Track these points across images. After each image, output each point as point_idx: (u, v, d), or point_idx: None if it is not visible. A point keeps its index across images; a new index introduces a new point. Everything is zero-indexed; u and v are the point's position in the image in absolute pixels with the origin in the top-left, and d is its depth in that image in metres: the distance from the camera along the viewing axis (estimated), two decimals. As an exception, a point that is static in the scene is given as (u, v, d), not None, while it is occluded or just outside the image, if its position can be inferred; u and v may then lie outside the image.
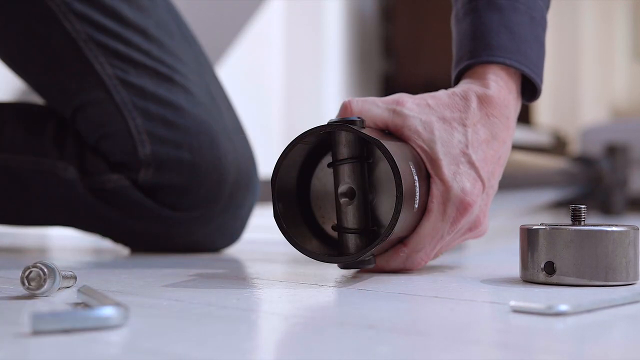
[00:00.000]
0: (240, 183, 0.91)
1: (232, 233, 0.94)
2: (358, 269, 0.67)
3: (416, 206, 0.62)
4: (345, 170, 0.61)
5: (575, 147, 3.48)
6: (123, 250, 0.96)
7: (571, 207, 0.61)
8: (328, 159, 0.64)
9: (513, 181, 1.08)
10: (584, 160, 2.04)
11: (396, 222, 0.58)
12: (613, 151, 2.09)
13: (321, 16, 2.86)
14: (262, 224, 1.08)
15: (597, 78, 3.91)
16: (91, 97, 0.88)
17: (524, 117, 3.67)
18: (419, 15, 3.32)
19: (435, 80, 3.40)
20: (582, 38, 3.83)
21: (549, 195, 1.46)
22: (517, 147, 3.47)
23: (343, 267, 0.63)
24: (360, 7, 3.03)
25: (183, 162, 0.87)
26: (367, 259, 0.62)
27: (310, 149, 0.64)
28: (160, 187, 0.88)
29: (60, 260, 0.89)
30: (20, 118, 0.93)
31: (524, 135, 3.47)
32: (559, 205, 1.86)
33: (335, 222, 0.63)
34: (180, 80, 0.89)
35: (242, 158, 0.92)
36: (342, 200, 0.62)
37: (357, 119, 0.60)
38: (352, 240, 0.61)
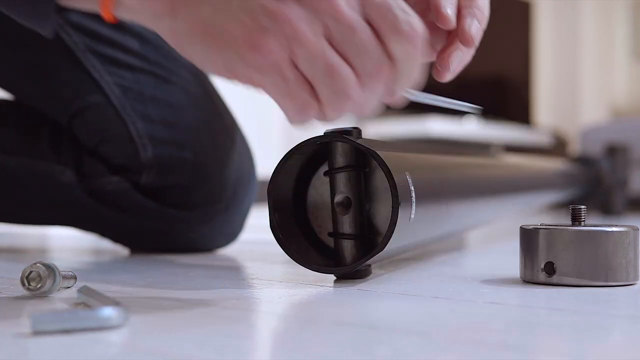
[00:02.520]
0: (241, 180, 0.91)
1: (233, 230, 0.94)
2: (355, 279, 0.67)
3: (412, 216, 0.62)
4: (342, 179, 0.61)
5: (575, 147, 3.48)
6: (123, 250, 0.96)
7: (571, 207, 0.61)
8: (325, 167, 0.64)
9: (513, 183, 1.08)
10: (584, 161, 2.04)
11: (392, 233, 0.58)
12: (613, 151, 2.09)
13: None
14: (261, 224, 1.08)
15: (597, 78, 3.92)
16: (88, 102, 0.87)
17: (524, 117, 3.68)
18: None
19: (436, 81, 3.41)
20: (582, 38, 3.83)
21: (549, 196, 1.46)
22: (517, 147, 3.45)
23: (339, 277, 0.63)
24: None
25: (186, 162, 0.87)
26: (363, 269, 0.62)
27: (307, 158, 0.64)
28: (162, 188, 0.88)
29: (60, 260, 0.89)
30: (14, 120, 0.93)
31: (524, 135, 3.47)
32: (559, 205, 1.86)
33: (332, 231, 0.63)
34: (178, 82, 0.89)
35: (243, 155, 0.92)
36: (339, 209, 0.62)
37: (353, 128, 0.60)
38: (348, 250, 0.62)
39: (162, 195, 0.88)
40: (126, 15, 0.53)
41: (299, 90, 0.51)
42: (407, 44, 0.50)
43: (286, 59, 0.49)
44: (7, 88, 0.94)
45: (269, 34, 0.49)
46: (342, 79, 0.50)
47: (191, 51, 0.52)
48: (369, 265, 0.63)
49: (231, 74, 0.51)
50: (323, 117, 0.52)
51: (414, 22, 0.50)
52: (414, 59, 0.51)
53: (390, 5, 0.50)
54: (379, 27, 0.50)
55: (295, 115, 0.52)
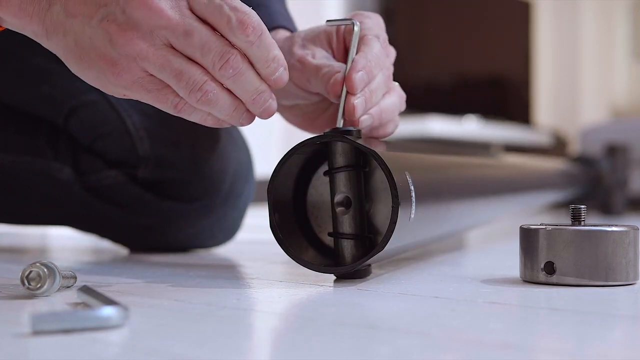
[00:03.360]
0: (239, 172, 0.91)
1: (232, 225, 0.94)
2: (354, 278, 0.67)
3: (412, 216, 0.62)
4: (341, 178, 0.61)
5: (575, 147, 3.48)
6: (123, 250, 0.96)
7: (571, 207, 0.61)
8: (325, 167, 0.64)
9: (513, 183, 1.08)
10: (583, 161, 2.04)
11: (392, 233, 0.58)
12: (613, 151, 2.09)
13: (321, 16, 2.87)
14: (261, 224, 1.08)
15: (597, 78, 3.91)
16: (83, 100, 0.87)
17: (524, 117, 3.68)
18: (419, 15, 3.32)
19: (436, 81, 3.41)
20: (582, 38, 3.83)
21: (549, 196, 1.46)
22: (517, 147, 3.43)
23: (339, 277, 0.63)
24: (361, 7, 3.03)
25: (183, 155, 0.87)
26: (363, 269, 0.62)
27: (307, 158, 0.64)
28: (160, 182, 0.88)
29: (60, 260, 0.89)
30: (11, 118, 0.92)
31: (524, 135, 3.47)
32: (559, 205, 1.86)
33: (332, 230, 0.63)
34: None
35: (239, 148, 0.92)
36: (339, 209, 0.62)
37: (352, 129, 0.60)
38: (348, 250, 0.62)
39: (160, 188, 0.88)
40: (14, 29, 0.60)
41: (164, 95, 0.57)
42: (242, 30, 0.55)
43: (141, 75, 0.56)
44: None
45: (120, 58, 0.55)
46: (191, 78, 0.56)
47: (69, 66, 0.58)
48: (369, 265, 0.63)
49: (106, 90, 0.58)
50: (189, 113, 0.58)
51: (243, 11, 0.55)
52: (258, 44, 0.56)
53: (218, 2, 0.55)
54: (212, 23, 0.55)
55: (176, 113, 0.58)
